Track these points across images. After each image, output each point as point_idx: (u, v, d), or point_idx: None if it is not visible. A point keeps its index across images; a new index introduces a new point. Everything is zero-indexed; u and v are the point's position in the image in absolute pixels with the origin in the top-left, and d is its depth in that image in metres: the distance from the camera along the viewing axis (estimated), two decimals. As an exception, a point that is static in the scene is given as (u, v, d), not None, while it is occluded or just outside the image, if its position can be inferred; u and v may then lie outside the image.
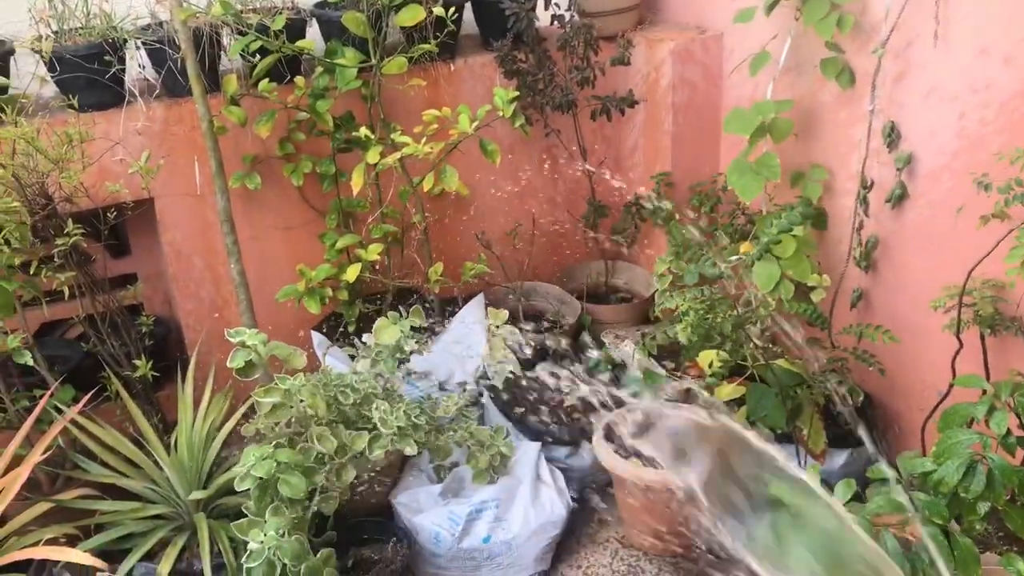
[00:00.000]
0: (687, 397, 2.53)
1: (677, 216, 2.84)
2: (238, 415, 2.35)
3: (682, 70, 2.78)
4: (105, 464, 2.28)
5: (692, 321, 2.17)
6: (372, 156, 2.45)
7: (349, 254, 2.67)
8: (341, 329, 2.74)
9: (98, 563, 1.82)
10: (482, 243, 2.84)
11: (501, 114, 2.46)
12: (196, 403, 2.39)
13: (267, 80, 2.45)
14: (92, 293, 2.34)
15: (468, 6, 2.81)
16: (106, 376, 2.38)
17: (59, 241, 2.16)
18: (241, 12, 2.43)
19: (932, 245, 2.23)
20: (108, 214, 2.34)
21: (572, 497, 2.37)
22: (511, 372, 2.33)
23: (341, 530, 2.19)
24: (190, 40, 2.29)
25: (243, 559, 1.90)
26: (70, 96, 2.30)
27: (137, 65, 2.52)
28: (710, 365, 2.37)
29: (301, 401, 2.08)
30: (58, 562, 2.01)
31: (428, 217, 2.70)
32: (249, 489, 1.95)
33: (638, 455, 2.11)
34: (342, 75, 2.49)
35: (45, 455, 2.01)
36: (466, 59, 2.79)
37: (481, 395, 2.66)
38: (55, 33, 2.40)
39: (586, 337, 2.88)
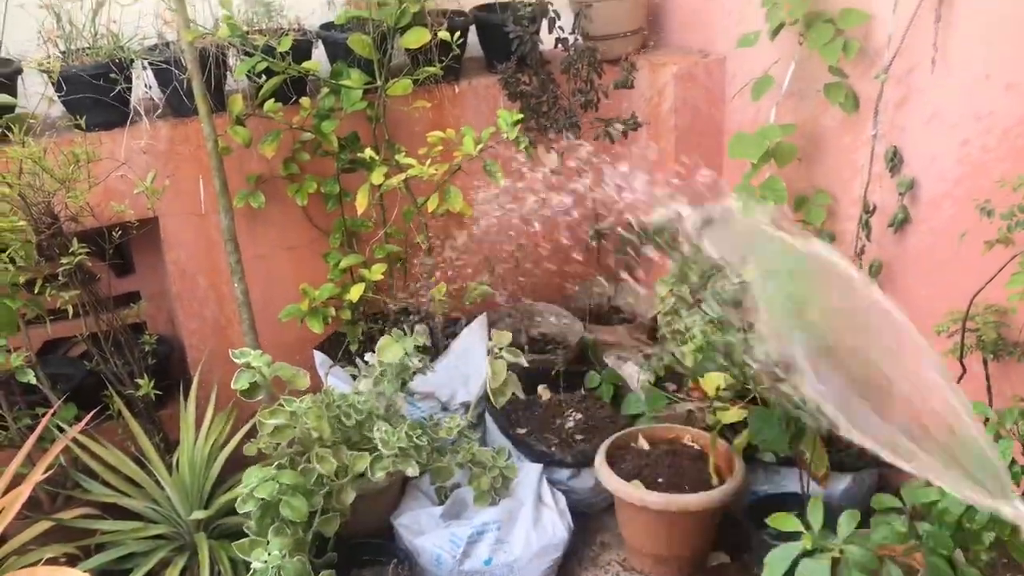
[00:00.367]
0: (689, 420, 2.54)
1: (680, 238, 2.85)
2: (240, 435, 2.35)
3: (685, 93, 2.79)
4: (106, 483, 2.28)
5: (699, 344, 2.17)
6: (377, 177, 2.46)
7: (352, 274, 2.67)
8: (343, 349, 2.74)
9: (99, 583, 1.82)
10: (485, 263, 2.85)
11: (505, 136, 2.47)
12: (198, 422, 2.39)
13: (273, 100, 2.46)
14: (96, 312, 2.35)
15: (473, 28, 2.83)
16: (108, 395, 2.38)
17: (64, 260, 2.17)
18: (247, 33, 2.45)
19: (935, 270, 2.23)
20: (113, 233, 2.35)
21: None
22: (514, 393, 2.33)
23: (342, 551, 2.18)
24: (196, 61, 2.30)
25: (245, 580, 1.90)
26: (77, 116, 2.31)
27: (143, 85, 2.53)
28: (717, 388, 2.36)
29: (305, 423, 2.08)
30: (59, 582, 2.00)
31: (431, 237, 2.70)
32: (251, 510, 1.95)
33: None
34: (347, 96, 2.50)
35: (46, 474, 2.00)
36: (470, 81, 2.81)
37: (483, 415, 2.66)
38: (63, 53, 2.41)
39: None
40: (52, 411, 2.13)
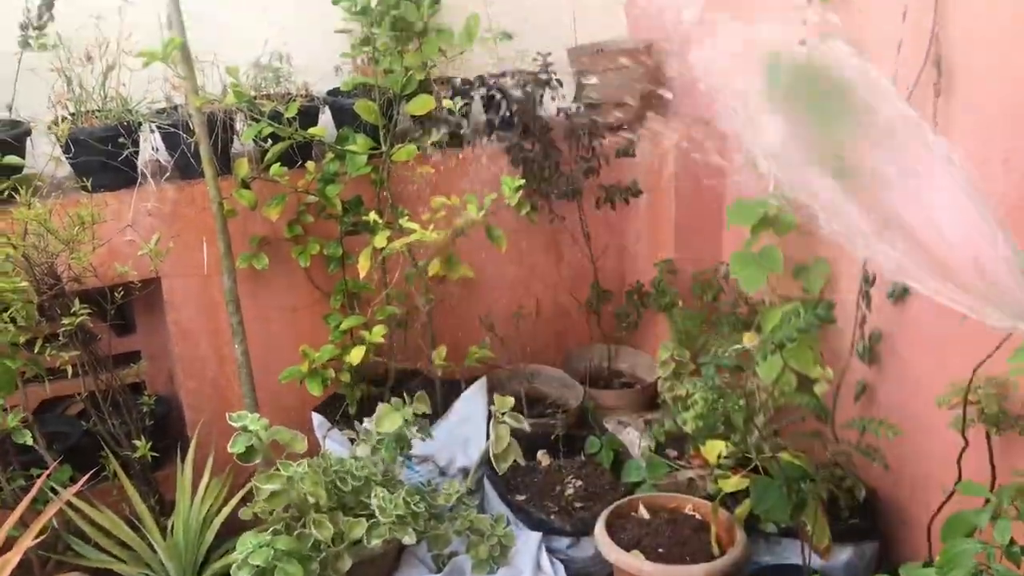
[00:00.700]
0: (691, 488, 2.51)
1: (680, 303, 2.86)
2: (237, 499, 2.32)
3: (686, 161, 2.82)
4: (99, 547, 2.25)
5: (700, 411, 2.16)
6: (380, 241, 2.48)
7: (353, 335, 2.67)
8: (342, 411, 2.73)
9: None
10: (486, 326, 2.86)
11: (508, 202, 2.49)
12: (195, 485, 2.36)
13: (278, 164, 2.49)
14: (95, 371, 2.34)
15: (476, 95, 2.87)
16: (105, 455, 2.37)
17: (65, 321, 2.17)
18: (255, 98, 2.48)
19: (936, 341, 2.23)
20: (115, 293, 2.36)
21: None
22: (515, 460, 2.31)
23: (337, 620, 2.14)
24: (204, 125, 2.34)
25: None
26: (84, 177, 2.33)
27: (151, 147, 2.56)
28: (718, 456, 2.35)
29: (302, 488, 2.06)
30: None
31: (432, 300, 2.71)
32: (245, 577, 1.92)
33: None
34: (353, 161, 2.53)
35: (38, 539, 1.98)
36: (474, 146, 2.84)
37: (482, 480, 2.64)
38: (72, 115, 2.45)
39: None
40: (47, 473, 2.11)
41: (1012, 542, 1.57)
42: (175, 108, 2.55)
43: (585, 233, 2.94)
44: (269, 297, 2.71)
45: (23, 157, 2.38)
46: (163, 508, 2.41)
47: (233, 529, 2.23)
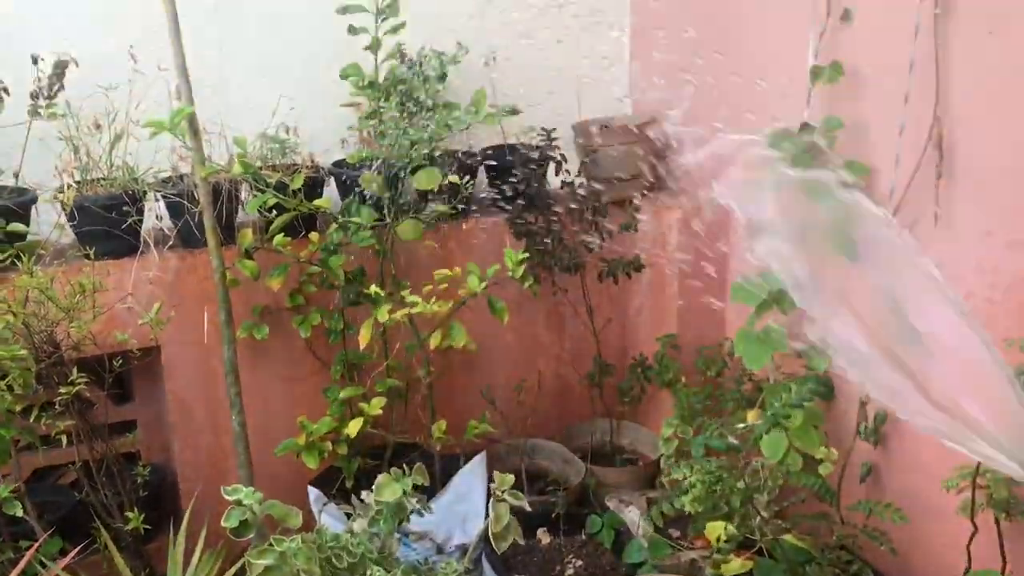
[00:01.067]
0: (693, 570, 2.46)
1: (683, 379, 2.84)
2: (230, 574, 2.27)
3: (689, 236, 2.83)
4: (87, 623, 2.19)
5: (698, 494, 2.13)
6: (382, 314, 2.46)
7: (351, 407, 2.65)
8: (339, 485, 2.68)
9: None
10: (487, 399, 2.83)
11: (511, 274, 2.49)
12: (187, 559, 2.31)
13: (282, 234, 2.49)
14: (90, 440, 2.31)
15: (481, 168, 2.89)
16: (96, 527, 2.32)
17: (62, 390, 2.15)
18: (261, 169, 2.50)
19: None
20: (114, 362, 2.34)
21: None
22: (515, 539, 2.26)
23: None
24: (209, 195, 2.34)
25: None
26: (88, 245, 2.33)
27: (155, 216, 2.57)
28: (719, 538, 2.30)
29: (296, 564, 2.01)
30: None
31: (433, 372, 2.69)
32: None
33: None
34: (357, 234, 2.53)
35: (24, 617, 1.93)
36: (478, 218, 2.85)
37: (480, 558, 2.58)
38: (78, 183, 2.46)
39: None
40: (36, 546, 2.06)
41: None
42: (181, 177, 2.56)
43: (587, 306, 2.93)
44: (268, 367, 2.69)
45: (28, 224, 2.39)
46: (153, 583, 2.36)
47: (225, 607, 2.18)
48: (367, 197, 2.55)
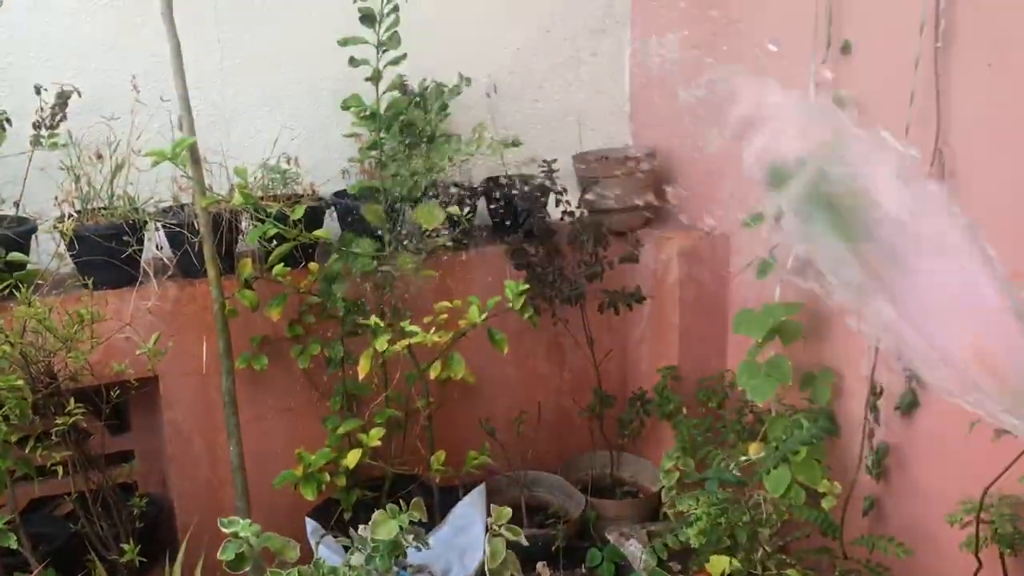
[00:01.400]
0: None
1: (684, 411, 2.82)
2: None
3: (689, 268, 2.82)
4: (79, 658, 2.16)
5: (704, 526, 2.11)
6: (381, 344, 2.45)
7: (350, 438, 2.63)
8: (337, 516, 2.66)
9: None
10: (487, 430, 2.81)
11: (511, 306, 2.48)
12: (182, 593, 2.29)
13: (282, 264, 2.49)
14: (86, 471, 2.30)
15: (482, 199, 2.89)
16: (91, 559, 2.30)
17: (59, 420, 2.14)
18: (262, 199, 2.50)
19: (946, 456, 2.19)
20: (112, 392, 2.32)
21: None
22: (512, 574, 2.23)
23: None
24: (209, 225, 2.34)
25: None
26: (87, 275, 2.33)
27: (155, 246, 2.56)
28: (721, 573, 2.27)
29: (291, 599, 1.99)
30: None
31: (432, 403, 2.67)
32: None
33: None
34: (357, 264, 2.52)
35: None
36: (478, 249, 2.85)
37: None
38: (78, 212, 2.46)
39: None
40: (30, 579, 2.05)
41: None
42: (181, 207, 2.56)
43: (588, 337, 2.92)
44: (266, 398, 2.68)
45: (27, 254, 2.38)
46: (149, 617, 2.33)
47: (220, 642, 2.15)
48: (368, 228, 2.55)
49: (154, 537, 2.58)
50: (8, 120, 2.38)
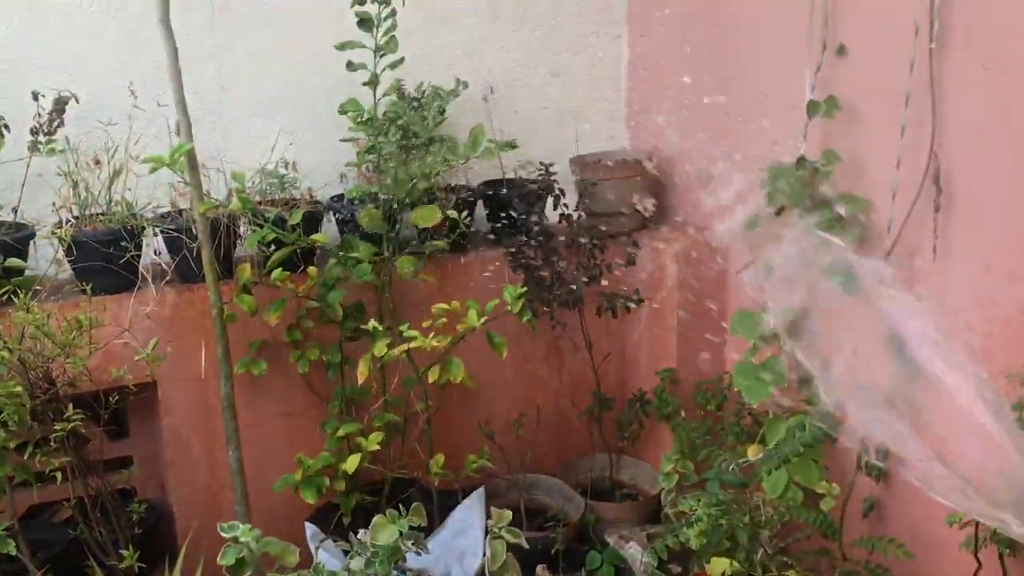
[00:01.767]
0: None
1: (683, 413, 2.82)
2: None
3: (687, 270, 2.83)
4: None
5: (704, 527, 2.11)
6: (379, 349, 2.45)
7: (349, 442, 2.63)
8: (336, 521, 2.66)
9: None
10: (486, 434, 2.81)
11: (509, 309, 2.48)
12: (182, 598, 2.28)
13: (280, 269, 2.49)
14: (85, 477, 2.30)
15: (480, 202, 2.90)
16: (91, 565, 2.30)
17: (57, 426, 2.14)
18: (260, 203, 2.50)
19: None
20: (110, 398, 2.32)
21: None
22: (512, 576, 2.24)
23: None
24: (207, 231, 2.35)
25: None
26: (85, 281, 2.33)
27: (153, 251, 2.57)
28: (722, 574, 2.27)
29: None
30: None
31: (431, 407, 2.68)
32: None
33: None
34: (356, 269, 2.53)
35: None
36: (476, 253, 2.85)
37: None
38: (76, 219, 2.46)
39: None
40: (30, 585, 2.05)
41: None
42: (180, 212, 2.56)
43: (587, 340, 2.92)
44: (265, 403, 2.68)
45: (25, 260, 2.38)
46: (148, 623, 2.33)
47: (220, 647, 2.14)
48: (366, 232, 2.55)
49: (153, 543, 2.58)
50: (6, 126, 2.39)
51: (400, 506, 2.28)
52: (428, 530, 2.51)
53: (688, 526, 2.20)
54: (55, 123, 2.39)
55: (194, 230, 2.39)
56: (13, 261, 2.31)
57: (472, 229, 2.79)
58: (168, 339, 2.48)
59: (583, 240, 2.73)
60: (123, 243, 2.41)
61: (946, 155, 2.08)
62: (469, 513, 2.63)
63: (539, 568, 2.64)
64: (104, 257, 2.40)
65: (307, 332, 2.63)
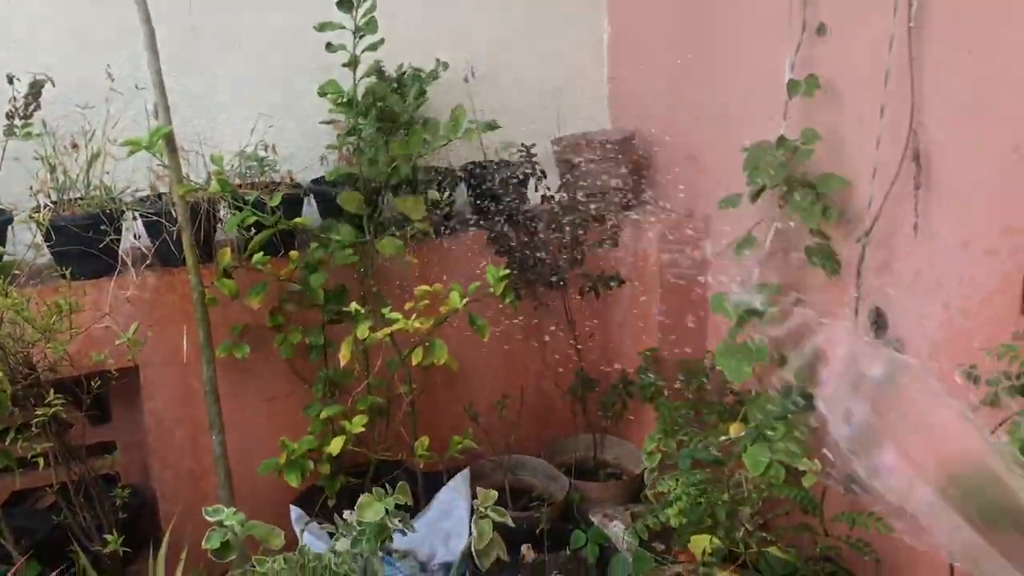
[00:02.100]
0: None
1: (665, 392, 2.84)
2: (210, 596, 2.25)
3: (668, 250, 2.83)
4: (65, 649, 2.16)
5: (683, 506, 2.12)
6: (362, 331, 2.45)
7: (333, 425, 2.63)
8: (321, 503, 2.66)
9: None
10: (470, 415, 2.82)
11: (492, 291, 2.48)
12: (167, 582, 2.28)
13: (261, 253, 2.48)
14: (68, 462, 2.28)
15: (462, 184, 2.89)
16: (75, 550, 2.29)
17: (39, 412, 2.12)
18: (239, 186, 2.49)
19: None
20: (92, 383, 2.31)
21: None
22: (498, 555, 2.24)
23: None
24: (187, 214, 2.33)
25: None
26: (64, 265, 2.31)
27: (133, 235, 2.55)
28: (703, 552, 2.30)
29: (277, 586, 1.99)
30: None
31: (415, 389, 2.68)
32: None
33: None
34: (338, 252, 2.52)
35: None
36: (459, 234, 2.85)
37: (465, 574, 2.56)
38: (54, 203, 2.44)
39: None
40: (13, 571, 2.04)
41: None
42: (159, 196, 2.55)
43: (569, 321, 2.93)
44: (248, 386, 2.67)
45: (3, 245, 2.36)
46: (134, 607, 2.33)
47: (206, 630, 2.15)
48: (347, 214, 2.54)
49: (137, 528, 2.58)
50: (-19, 110, 2.36)
51: (385, 487, 2.29)
52: (413, 511, 2.52)
53: (667, 505, 2.21)
54: (31, 106, 2.36)
55: (174, 213, 2.38)
56: (-10, 247, 2.29)
57: (455, 211, 2.79)
58: (149, 323, 2.46)
59: (565, 221, 2.73)
60: (102, 227, 2.39)
61: (926, 133, 2.09)
62: (454, 494, 2.64)
63: (524, 547, 2.66)
64: (83, 241, 2.38)
65: (289, 315, 2.62)
